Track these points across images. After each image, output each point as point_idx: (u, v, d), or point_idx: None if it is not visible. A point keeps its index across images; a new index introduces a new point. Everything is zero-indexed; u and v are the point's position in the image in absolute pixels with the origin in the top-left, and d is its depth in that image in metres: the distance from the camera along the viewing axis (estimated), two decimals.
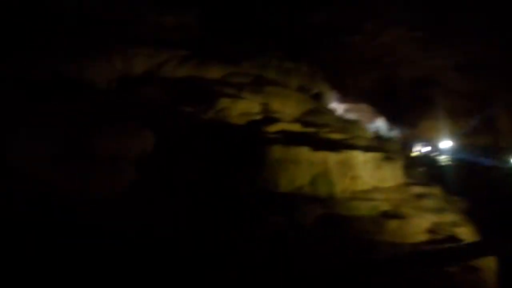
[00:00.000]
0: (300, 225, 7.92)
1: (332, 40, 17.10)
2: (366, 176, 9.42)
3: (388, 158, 10.15)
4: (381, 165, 9.73)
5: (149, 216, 7.72)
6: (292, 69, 13.55)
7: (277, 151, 8.65)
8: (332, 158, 9.06)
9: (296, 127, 10.89)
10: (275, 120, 10.80)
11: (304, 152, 8.84)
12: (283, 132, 10.45)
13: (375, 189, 9.37)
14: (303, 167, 8.80)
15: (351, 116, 23.44)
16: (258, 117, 10.90)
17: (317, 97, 14.30)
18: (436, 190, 10.10)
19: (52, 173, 7.86)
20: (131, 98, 10.84)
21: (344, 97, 20.83)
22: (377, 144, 11.91)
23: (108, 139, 8.60)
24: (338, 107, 22.99)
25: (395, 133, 20.27)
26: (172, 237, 7.15)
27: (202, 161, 9.29)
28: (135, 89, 11.83)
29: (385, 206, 8.78)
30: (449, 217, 9.01)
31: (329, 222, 8.17)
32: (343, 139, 11.02)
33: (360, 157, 9.47)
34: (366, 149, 10.53)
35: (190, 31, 15.44)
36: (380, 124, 20.98)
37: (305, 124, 11.83)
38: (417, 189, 9.87)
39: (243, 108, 10.81)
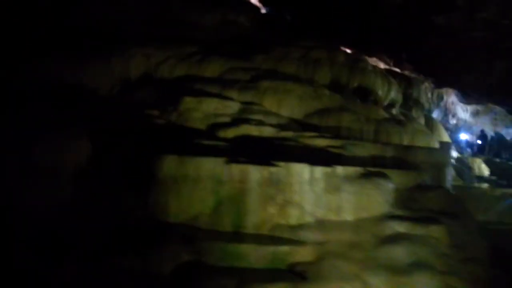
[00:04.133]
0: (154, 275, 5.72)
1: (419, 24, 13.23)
2: (308, 202, 6.37)
3: (366, 176, 6.77)
4: (340, 187, 6.49)
5: None
6: (323, 60, 10.66)
7: (170, 164, 6.45)
8: (254, 174, 6.37)
9: (268, 132, 8.27)
10: (243, 123, 8.41)
11: (208, 166, 6.40)
12: (238, 139, 8.04)
13: (320, 224, 6.26)
14: (205, 187, 6.39)
15: (477, 121, 18.02)
16: (226, 119, 8.66)
17: (363, 93, 11.03)
18: (436, 232, 6.25)
19: None
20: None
21: (467, 98, 16.15)
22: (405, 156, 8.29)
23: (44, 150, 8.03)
24: (462, 109, 18.01)
25: None
26: None
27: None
28: (132, 93, 11.00)
29: (304, 255, 5.70)
30: (419, 280, 5.33)
31: (190, 275, 5.66)
32: (328, 147, 7.92)
33: (304, 174, 6.48)
34: (348, 162, 7.32)
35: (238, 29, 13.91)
36: None
37: (301, 126, 9.07)
38: (396, 227, 6.25)
39: (211, 109, 8.77)
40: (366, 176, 6.94)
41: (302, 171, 6.71)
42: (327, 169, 6.76)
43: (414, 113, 13.69)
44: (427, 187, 7.47)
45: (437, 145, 10.38)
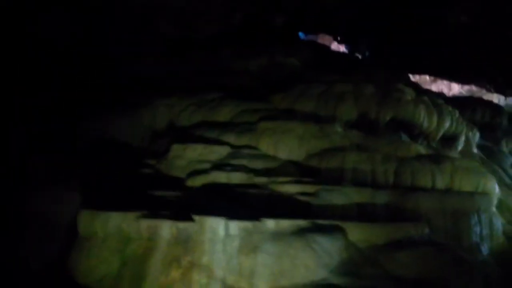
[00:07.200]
0: None
1: None
2: (218, 265, 5.21)
3: (300, 233, 5.30)
4: (258, 247, 5.17)
5: None
6: (346, 93, 9.30)
7: (85, 220, 6.03)
8: (163, 230, 5.54)
9: (239, 178, 7.29)
10: (217, 169, 7.62)
11: (114, 222, 5.78)
12: (202, 188, 7.26)
13: None
14: (110, 245, 5.76)
15: None
16: (207, 166, 7.96)
17: (404, 127, 9.24)
18: None
19: None
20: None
21: None
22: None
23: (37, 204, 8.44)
24: None
25: None
26: None
27: None
28: (155, 143, 11.13)
29: None
30: None
31: None
32: (299, 194, 6.58)
33: (219, 230, 5.37)
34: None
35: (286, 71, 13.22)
36: None
37: (299, 169, 7.85)
38: None
39: (195, 155, 8.19)
40: (300, 232, 5.30)
41: (216, 226, 5.43)
42: (247, 224, 5.35)
43: (504, 146, 10.86)
44: (407, 244, 5.42)
45: (494, 189, 7.82)
